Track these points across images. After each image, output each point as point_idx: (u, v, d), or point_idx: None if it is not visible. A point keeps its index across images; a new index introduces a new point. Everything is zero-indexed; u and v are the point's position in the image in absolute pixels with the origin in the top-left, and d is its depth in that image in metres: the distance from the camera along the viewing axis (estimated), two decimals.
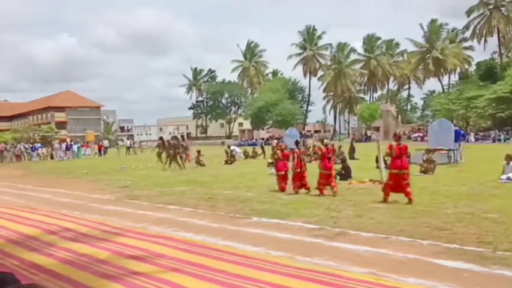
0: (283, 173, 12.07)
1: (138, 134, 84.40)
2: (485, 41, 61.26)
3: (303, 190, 11.55)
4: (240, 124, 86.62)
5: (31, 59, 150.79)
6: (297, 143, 12.73)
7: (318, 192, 11.01)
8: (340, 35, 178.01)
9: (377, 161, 13.52)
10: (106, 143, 49.81)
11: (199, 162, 23.31)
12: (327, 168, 11.09)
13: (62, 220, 8.97)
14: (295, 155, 11.94)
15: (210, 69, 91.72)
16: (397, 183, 9.61)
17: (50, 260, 5.93)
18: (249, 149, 30.84)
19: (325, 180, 11.03)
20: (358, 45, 77.42)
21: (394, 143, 9.97)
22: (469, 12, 60.48)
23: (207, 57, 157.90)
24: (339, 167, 14.59)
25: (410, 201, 9.34)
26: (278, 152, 12.56)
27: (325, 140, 13.08)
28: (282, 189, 11.93)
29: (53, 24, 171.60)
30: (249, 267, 5.27)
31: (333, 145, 12.41)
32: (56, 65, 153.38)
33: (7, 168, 29.18)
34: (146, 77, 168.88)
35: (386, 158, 11.44)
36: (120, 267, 5.46)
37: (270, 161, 22.29)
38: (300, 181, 11.58)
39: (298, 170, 11.60)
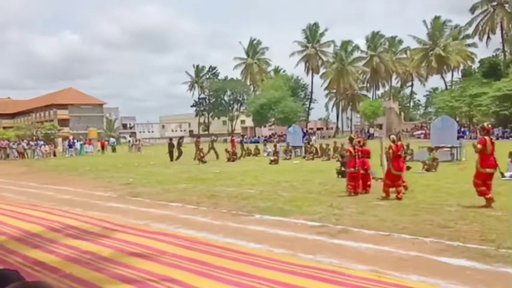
0: (352, 170, 10.73)
1: (140, 132, 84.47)
2: (489, 37, 60.99)
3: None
4: (243, 121, 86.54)
5: (35, 56, 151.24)
6: (351, 139, 11.50)
7: (383, 194, 9.89)
8: (344, 32, 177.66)
9: (387, 159, 13.13)
10: (113, 141, 49.64)
11: (201, 160, 23.39)
12: (398, 169, 9.92)
13: (64, 217, 8.98)
14: (349, 153, 11.00)
15: (210, 66, 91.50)
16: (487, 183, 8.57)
17: (52, 257, 5.93)
18: (252, 146, 30.87)
19: (392, 181, 9.83)
20: (362, 42, 77.15)
21: (486, 138, 8.76)
22: (473, 10, 60.24)
23: (211, 54, 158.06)
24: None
25: (489, 205, 8.33)
26: (351, 149, 10.97)
27: (392, 136, 10.71)
28: (353, 191, 10.54)
29: (56, 21, 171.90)
30: (251, 264, 5.26)
31: (399, 139, 10.66)
32: (59, 62, 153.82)
33: (10, 165, 29.25)
34: (150, 74, 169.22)
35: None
36: (122, 264, 5.47)
37: (272, 158, 22.35)
38: (357, 181, 10.61)
39: (355, 169, 10.65)
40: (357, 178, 10.67)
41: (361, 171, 10.77)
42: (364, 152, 11.15)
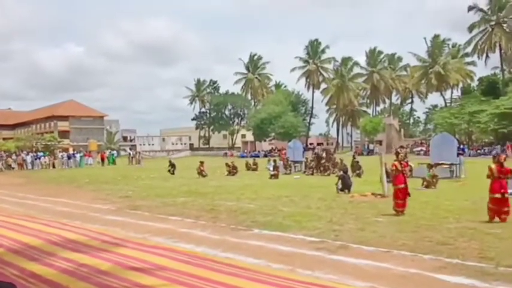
0: (402, 186, 10.17)
1: (140, 144, 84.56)
2: (487, 56, 61.43)
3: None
4: (243, 136, 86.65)
5: (38, 68, 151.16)
6: (397, 153, 10.91)
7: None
8: (346, 47, 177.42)
9: (388, 175, 13.01)
10: (112, 153, 49.44)
11: (201, 173, 23.39)
12: None
13: (62, 230, 8.94)
14: (395, 167, 10.37)
15: (211, 80, 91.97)
16: None
17: (49, 270, 5.89)
18: (250, 161, 30.84)
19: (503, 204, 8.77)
20: (363, 59, 77.66)
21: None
22: (470, 28, 60.81)
23: (215, 68, 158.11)
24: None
25: None
26: (397, 163, 10.32)
27: None
28: (399, 208, 9.93)
29: (60, 33, 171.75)
30: (249, 279, 5.23)
31: None
32: (63, 73, 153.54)
33: (8, 177, 29.20)
34: (153, 87, 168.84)
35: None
36: (120, 278, 5.43)
37: (272, 173, 22.33)
38: (403, 199, 10.02)
39: (403, 185, 10.14)
40: (405, 195, 10.10)
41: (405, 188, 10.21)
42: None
